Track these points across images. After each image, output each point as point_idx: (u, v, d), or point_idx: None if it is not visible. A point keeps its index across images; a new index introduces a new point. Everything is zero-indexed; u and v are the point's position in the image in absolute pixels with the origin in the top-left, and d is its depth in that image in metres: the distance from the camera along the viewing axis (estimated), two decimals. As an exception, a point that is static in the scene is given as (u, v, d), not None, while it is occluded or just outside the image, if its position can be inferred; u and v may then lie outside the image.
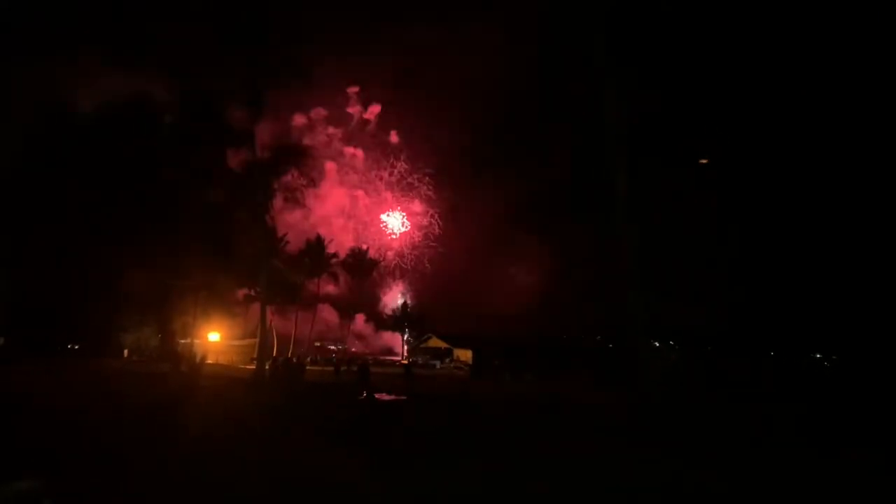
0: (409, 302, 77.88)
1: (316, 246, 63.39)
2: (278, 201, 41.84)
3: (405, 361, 57.51)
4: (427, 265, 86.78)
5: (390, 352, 74.69)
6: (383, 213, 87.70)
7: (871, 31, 35.45)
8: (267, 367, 38.51)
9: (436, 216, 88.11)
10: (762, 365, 49.25)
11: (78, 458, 9.55)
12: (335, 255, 66.55)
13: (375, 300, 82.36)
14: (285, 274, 53.27)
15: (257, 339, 49.07)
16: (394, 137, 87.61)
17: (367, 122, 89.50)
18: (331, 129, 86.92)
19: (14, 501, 5.09)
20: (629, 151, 24.66)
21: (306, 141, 70.88)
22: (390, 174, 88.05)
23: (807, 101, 40.23)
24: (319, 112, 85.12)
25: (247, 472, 9.29)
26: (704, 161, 37.22)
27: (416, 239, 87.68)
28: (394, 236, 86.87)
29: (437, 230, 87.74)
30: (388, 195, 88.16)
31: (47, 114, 45.00)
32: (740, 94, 39.85)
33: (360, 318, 77.61)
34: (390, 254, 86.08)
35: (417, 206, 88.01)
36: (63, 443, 10.88)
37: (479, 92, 74.81)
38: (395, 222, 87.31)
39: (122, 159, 43.81)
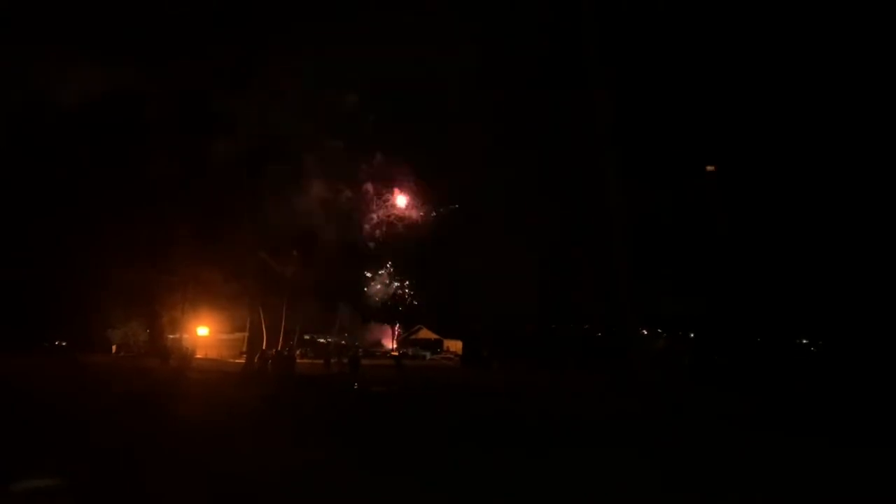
0: (398, 294, 77.70)
1: (303, 238, 62.90)
2: (265, 193, 41.67)
3: (395, 353, 57.60)
4: (411, 256, 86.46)
5: (379, 344, 74.48)
6: (366, 204, 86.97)
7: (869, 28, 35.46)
8: (256, 360, 38.52)
9: (417, 209, 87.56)
10: (752, 351, 49.74)
11: (79, 454, 9.47)
12: (323, 247, 66.09)
13: (361, 292, 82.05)
14: (273, 267, 52.96)
15: (246, 333, 49.03)
16: (370, 128, 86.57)
17: (347, 111, 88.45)
18: (314, 119, 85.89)
19: (33, 499, 5.03)
20: (616, 141, 24.70)
21: (292, 132, 70.27)
22: (370, 165, 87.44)
23: (787, 92, 40.51)
24: (303, 101, 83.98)
25: (246, 467, 9.28)
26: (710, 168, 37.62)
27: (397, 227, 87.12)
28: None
29: (419, 222, 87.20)
30: (370, 186, 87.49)
31: (28, 107, 44.11)
32: (724, 87, 40.00)
33: (346, 310, 77.31)
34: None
35: (398, 199, 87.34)
36: (63, 439, 10.77)
37: (466, 83, 74.16)
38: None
39: (107, 152, 43.12)
